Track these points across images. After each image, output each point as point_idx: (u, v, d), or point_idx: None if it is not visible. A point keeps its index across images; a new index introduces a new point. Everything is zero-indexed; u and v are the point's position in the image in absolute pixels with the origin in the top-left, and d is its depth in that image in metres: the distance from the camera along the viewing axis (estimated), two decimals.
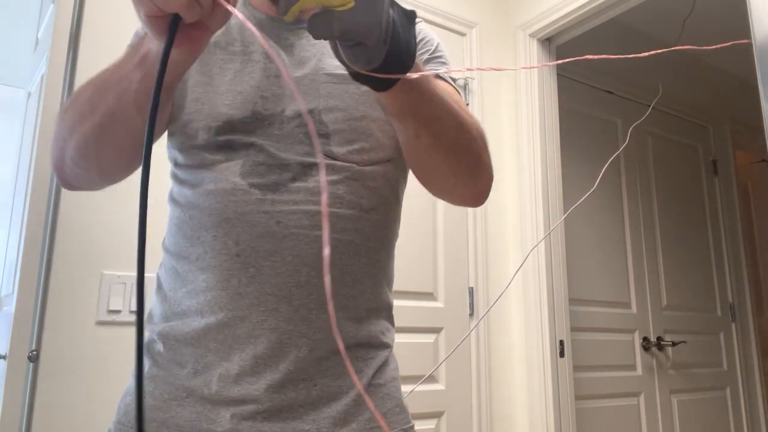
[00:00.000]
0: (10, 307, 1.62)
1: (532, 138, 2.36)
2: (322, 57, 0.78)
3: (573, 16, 2.29)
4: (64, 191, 1.57)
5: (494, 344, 2.24)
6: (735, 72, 3.38)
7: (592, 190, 2.31)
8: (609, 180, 2.75)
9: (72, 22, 1.65)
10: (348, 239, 0.74)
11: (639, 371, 2.71)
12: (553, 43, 2.48)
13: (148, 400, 0.72)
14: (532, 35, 2.45)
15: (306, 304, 0.70)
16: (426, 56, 0.86)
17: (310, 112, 0.74)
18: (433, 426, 2.03)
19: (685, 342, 2.84)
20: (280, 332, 0.69)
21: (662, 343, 2.81)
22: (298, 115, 0.74)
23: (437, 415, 2.06)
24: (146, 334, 0.77)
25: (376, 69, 0.52)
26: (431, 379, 2.04)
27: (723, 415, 3.00)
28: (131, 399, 0.75)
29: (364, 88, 0.69)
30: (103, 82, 0.69)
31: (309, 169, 0.72)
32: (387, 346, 0.79)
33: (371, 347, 0.76)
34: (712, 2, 2.72)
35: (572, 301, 2.36)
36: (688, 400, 2.86)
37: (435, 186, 0.77)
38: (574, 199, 2.33)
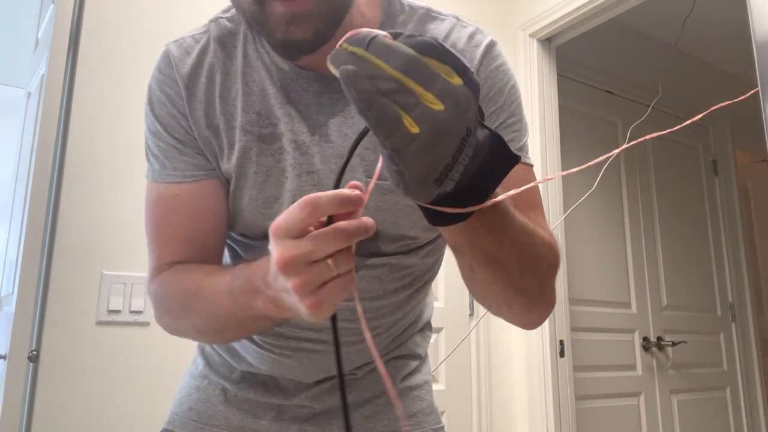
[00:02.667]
0: (10, 307, 1.62)
1: (532, 138, 2.36)
2: (364, 154, 0.68)
3: (573, 16, 2.29)
4: (64, 191, 1.57)
5: (494, 344, 2.24)
6: (735, 72, 3.38)
7: (591, 190, 2.32)
8: (609, 180, 2.75)
9: (72, 22, 1.65)
10: (392, 302, 0.76)
11: (639, 371, 2.71)
12: (553, 43, 2.48)
13: (201, 395, 0.79)
14: (532, 35, 2.45)
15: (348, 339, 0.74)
16: (496, 123, 0.68)
17: None
18: None
19: (685, 342, 2.84)
20: (323, 357, 0.75)
21: (662, 343, 2.81)
22: None
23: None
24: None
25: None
26: (431, 379, 2.04)
27: (723, 415, 2.99)
28: (186, 393, 0.82)
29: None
30: (214, 318, 0.65)
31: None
32: (419, 357, 0.85)
33: (404, 358, 0.82)
34: (712, 2, 2.71)
35: (572, 301, 2.36)
36: (688, 400, 2.86)
37: (485, 306, 0.70)
38: (574, 199, 2.33)
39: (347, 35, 0.40)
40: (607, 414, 2.52)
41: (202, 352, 0.84)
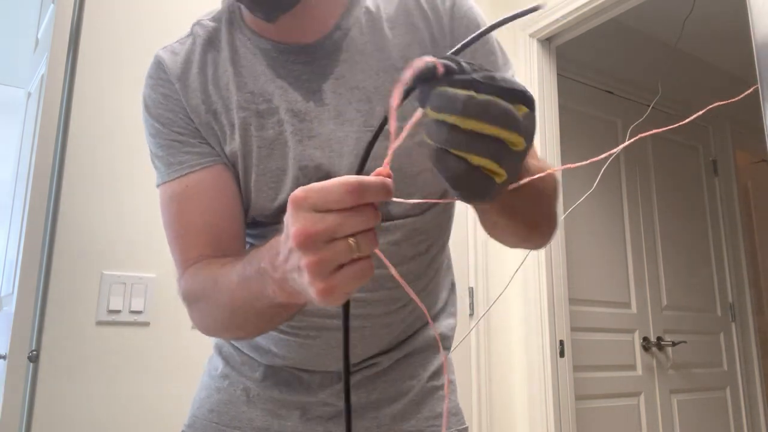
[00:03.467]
0: (10, 307, 1.62)
1: None
2: (359, 105, 0.71)
3: (573, 16, 2.29)
4: (64, 191, 1.57)
5: (494, 344, 2.24)
6: (735, 72, 3.38)
7: (591, 190, 2.32)
8: (609, 180, 2.75)
9: (72, 22, 1.65)
10: (411, 272, 0.76)
11: (639, 371, 2.71)
12: (553, 43, 2.48)
13: (222, 396, 0.78)
14: (531, 35, 2.45)
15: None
16: (495, 65, 0.74)
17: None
18: None
19: (685, 342, 2.84)
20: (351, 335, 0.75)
21: (662, 343, 2.81)
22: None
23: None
24: (218, 339, 0.82)
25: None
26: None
27: (723, 415, 2.99)
28: (206, 394, 0.80)
29: (416, 137, 0.64)
30: (240, 309, 0.62)
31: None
32: (448, 341, 0.84)
33: (427, 351, 0.81)
34: (712, 2, 2.71)
35: (572, 301, 2.36)
36: (688, 400, 2.86)
37: (504, 244, 0.75)
38: (574, 199, 2.33)
39: (437, 96, 0.39)
40: (607, 414, 2.52)
41: (220, 352, 0.82)
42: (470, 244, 2.25)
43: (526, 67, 2.43)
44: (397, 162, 0.66)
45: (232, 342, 0.81)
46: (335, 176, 0.66)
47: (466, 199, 0.41)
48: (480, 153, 0.39)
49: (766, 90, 1.31)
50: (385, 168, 0.43)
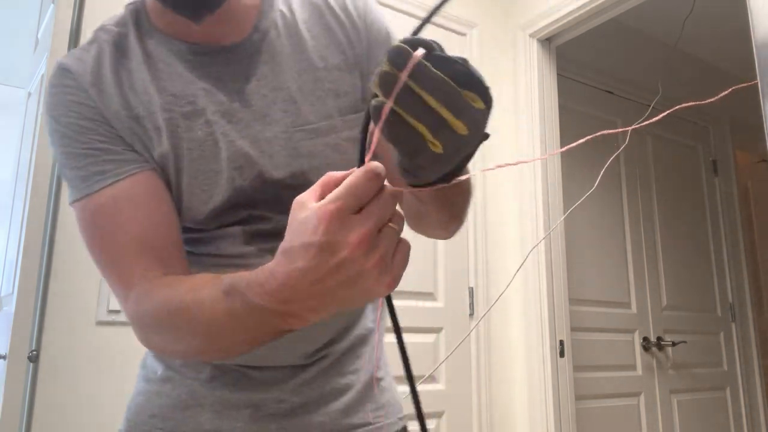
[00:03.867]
0: (10, 307, 1.62)
1: (532, 138, 2.36)
2: (285, 105, 0.71)
3: (573, 16, 2.29)
4: (64, 191, 1.57)
5: (494, 344, 2.24)
6: (735, 72, 3.38)
7: (591, 190, 2.31)
8: (609, 180, 2.76)
9: (72, 22, 1.65)
10: None
11: (639, 371, 2.71)
12: (553, 43, 2.48)
13: (164, 400, 0.73)
14: (532, 35, 2.45)
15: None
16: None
17: (293, 175, 0.70)
18: (433, 426, 2.03)
19: (685, 342, 2.84)
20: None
21: (662, 343, 2.81)
22: (283, 177, 0.70)
23: (437, 415, 2.06)
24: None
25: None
26: (431, 379, 2.04)
27: (723, 415, 2.99)
28: (142, 399, 0.76)
29: (343, 134, 0.71)
30: (216, 336, 0.59)
31: None
32: (371, 331, 0.81)
33: (369, 341, 0.80)
34: (712, 2, 2.71)
35: (572, 301, 2.36)
36: (688, 400, 2.86)
37: (422, 234, 0.78)
38: (574, 199, 2.33)
39: (395, 51, 0.40)
40: (607, 414, 2.52)
41: (158, 356, 0.78)
42: (470, 244, 2.25)
43: (526, 67, 2.43)
44: (328, 158, 0.70)
45: None
46: (268, 176, 0.69)
47: (404, 152, 0.43)
48: (419, 118, 0.41)
49: (766, 89, 1.31)
50: (370, 158, 0.44)
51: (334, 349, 0.75)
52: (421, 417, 0.51)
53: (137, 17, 0.74)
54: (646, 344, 2.76)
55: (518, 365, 2.27)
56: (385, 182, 0.43)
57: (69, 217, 1.57)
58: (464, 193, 0.67)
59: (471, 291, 2.22)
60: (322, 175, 0.67)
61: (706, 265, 3.14)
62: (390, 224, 0.42)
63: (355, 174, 0.42)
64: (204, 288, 0.57)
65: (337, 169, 0.64)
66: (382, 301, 0.63)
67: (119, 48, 0.72)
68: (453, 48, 2.37)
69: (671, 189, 3.08)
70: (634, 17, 2.71)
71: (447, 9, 2.39)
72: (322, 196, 0.43)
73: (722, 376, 3.05)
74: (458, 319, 2.17)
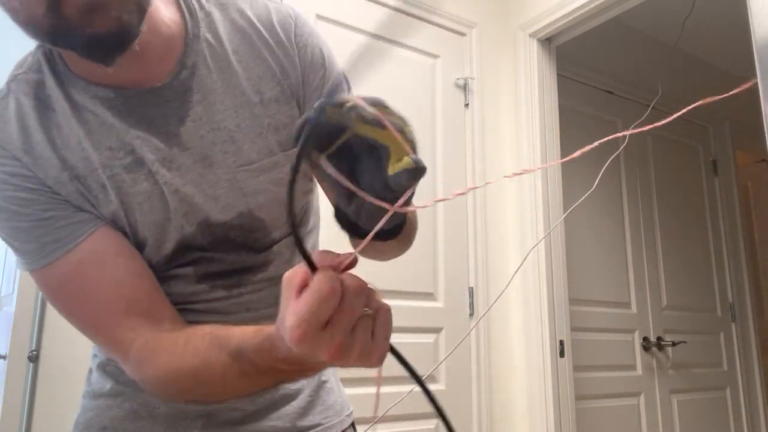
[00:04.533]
0: (10, 307, 1.62)
1: (532, 138, 2.36)
2: (225, 146, 0.69)
3: (573, 16, 2.29)
4: None
5: (494, 344, 2.24)
6: (735, 72, 3.38)
7: (591, 190, 2.31)
8: (609, 180, 2.75)
9: None
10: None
11: (639, 371, 2.71)
12: (553, 43, 2.48)
13: (115, 412, 0.71)
14: (532, 35, 2.45)
15: None
16: (329, 84, 0.76)
17: (240, 215, 0.70)
18: (433, 426, 2.03)
19: (685, 342, 2.84)
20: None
21: (662, 343, 2.81)
22: (230, 218, 0.70)
23: (437, 415, 2.06)
24: (102, 357, 0.75)
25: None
26: (431, 379, 2.04)
27: (723, 415, 3.00)
28: (93, 414, 0.73)
29: (286, 168, 0.71)
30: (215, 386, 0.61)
31: (262, 265, 0.73)
32: None
33: None
34: (712, 2, 2.71)
35: (572, 301, 2.36)
36: (688, 400, 2.86)
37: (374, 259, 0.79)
38: (574, 199, 2.33)
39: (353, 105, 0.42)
40: (607, 414, 2.52)
41: (104, 371, 0.74)
42: (470, 244, 2.24)
43: (526, 67, 2.43)
44: (272, 194, 0.70)
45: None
46: (214, 220, 0.69)
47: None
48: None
49: (765, 90, 1.31)
50: (349, 257, 0.43)
51: None
52: (442, 415, 0.52)
53: (51, 62, 0.67)
54: (646, 344, 2.76)
55: (518, 365, 2.27)
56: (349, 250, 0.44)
57: None
58: (412, 225, 0.70)
59: (471, 291, 2.22)
60: (267, 211, 0.71)
61: (706, 265, 3.14)
62: (365, 310, 0.42)
63: (311, 296, 0.40)
64: (208, 352, 0.58)
65: (280, 201, 0.70)
66: None
67: (40, 99, 0.66)
68: (453, 48, 2.37)
69: (671, 189, 3.08)
70: (634, 17, 2.71)
71: (446, 8, 2.39)
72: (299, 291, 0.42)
73: (722, 376, 3.05)
74: (458, 319, 2.17)
